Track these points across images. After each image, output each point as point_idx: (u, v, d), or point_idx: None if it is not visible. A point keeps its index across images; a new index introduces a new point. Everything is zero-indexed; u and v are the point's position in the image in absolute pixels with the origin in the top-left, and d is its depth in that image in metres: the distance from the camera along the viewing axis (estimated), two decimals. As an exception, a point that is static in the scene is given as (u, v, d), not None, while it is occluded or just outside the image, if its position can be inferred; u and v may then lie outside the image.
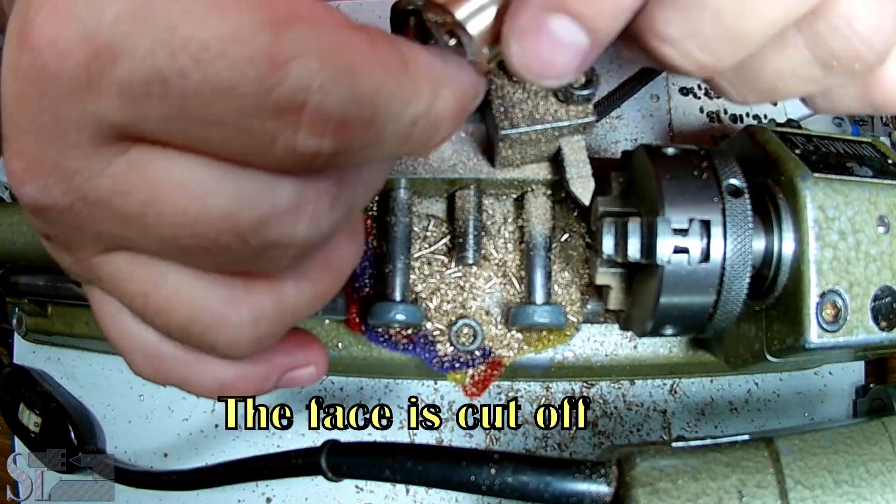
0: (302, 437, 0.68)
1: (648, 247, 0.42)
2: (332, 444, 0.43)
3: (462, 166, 0.52)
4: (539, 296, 0.53)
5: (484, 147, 0.52)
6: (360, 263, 0.56)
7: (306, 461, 0.43)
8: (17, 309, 0.73)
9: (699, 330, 0.46)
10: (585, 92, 0.46)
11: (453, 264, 0.56)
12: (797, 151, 0.47)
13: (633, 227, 0.43)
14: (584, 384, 0.68)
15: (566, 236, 0.56)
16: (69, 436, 0.66)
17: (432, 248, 0.56)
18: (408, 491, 0.66)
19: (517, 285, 0.56)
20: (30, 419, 0.67)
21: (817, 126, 0.78)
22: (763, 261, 0.45)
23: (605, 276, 0.49)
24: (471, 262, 0.54)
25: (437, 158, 0.52)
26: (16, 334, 0.75)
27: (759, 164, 0.48)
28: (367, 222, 0.56)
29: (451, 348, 0.55)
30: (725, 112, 0.81)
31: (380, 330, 0.55)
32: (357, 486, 0.66)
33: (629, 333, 0.62)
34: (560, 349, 0.62)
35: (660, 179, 0.42)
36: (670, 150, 0.45)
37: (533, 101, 0.47)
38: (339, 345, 0.63)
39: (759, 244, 0.45)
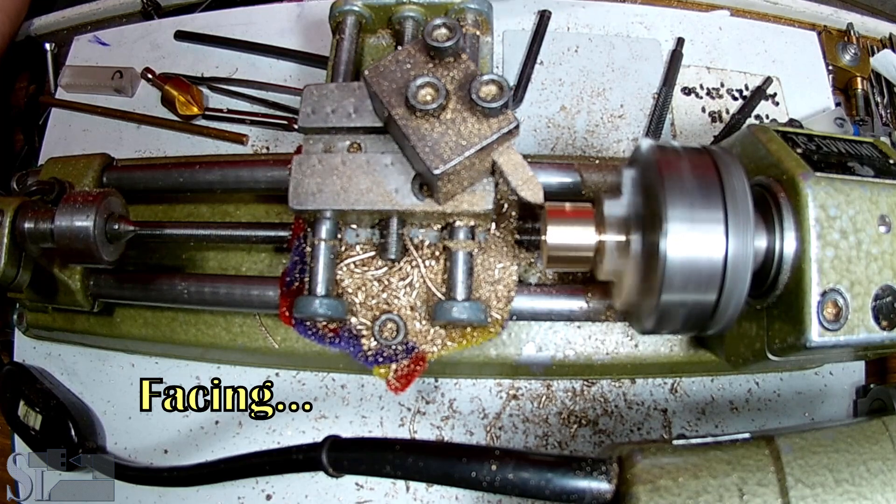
0: (302, 434, 0.68)
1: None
2: (333, 440, 0.43)
3: (383, 200, 0.51)
4: (459, 292, 0.53)
5: (406, 177, 0.52)
6: (291, 258, 0.57)
7: (307, 457, 0.43)
8: (17, 304, 0.73)
9: (700, 328, 0.46)
10: (500, 102, 0.46)
11: (378, 260, 0.56)
12: (799, 151, 0.47)
13: None
14: (585, 382, 0.68)
15: (494, 230, 0.56)
16: (69, 433, 0.66)
17: (361, 256, 0.56)
18: (408, 488, 0.66)
19: (436, 289, 0.55)
20: (30, 417, 0.67)
21: (819, 126, 0.78)
22: (764, 259, 0.45)
23: (608, 272, 0.49)
24: (392, 257, 0.54)
25: (356, 191, 0.51)
26: (16, 331, 0.75)
27: (761, 163, 0.48)
28: (300, 220, 0.56)
29: (375, 343, 0.55)
30: (727, 112, 0.81)
31: (308, 323, 0.55)
32: (357, 484, 0.66)
33: (630, 332, 0.62)
34: (561, 347, 0.62)
35: (663, 177, 0.42)
36: (674, 148, 0.45)
37: (454, 130, 0.47)
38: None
39: (760, 243, 0.45)
